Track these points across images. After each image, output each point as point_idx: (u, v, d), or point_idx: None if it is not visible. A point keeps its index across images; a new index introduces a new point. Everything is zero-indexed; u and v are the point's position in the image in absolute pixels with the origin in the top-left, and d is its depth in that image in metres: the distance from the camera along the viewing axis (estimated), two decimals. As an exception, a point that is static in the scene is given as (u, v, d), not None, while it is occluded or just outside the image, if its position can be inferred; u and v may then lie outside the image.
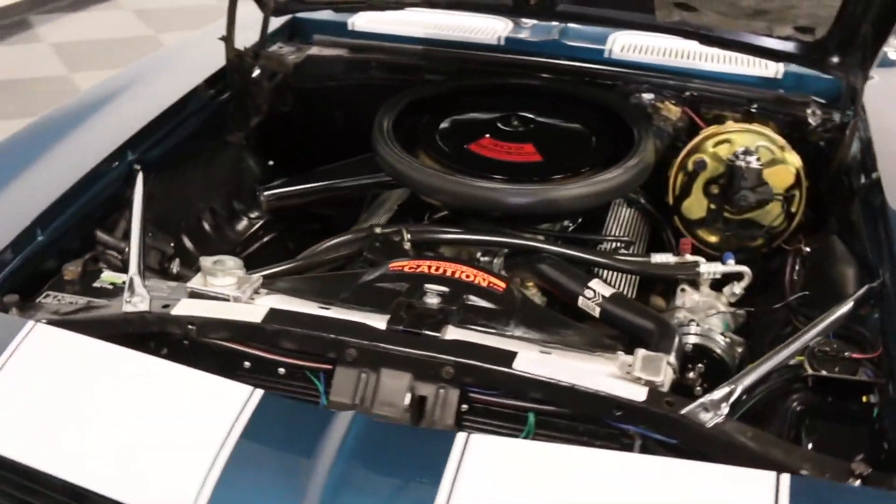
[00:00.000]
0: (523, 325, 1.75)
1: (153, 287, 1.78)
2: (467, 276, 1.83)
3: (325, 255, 2.13)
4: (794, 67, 2.50)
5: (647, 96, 2.55)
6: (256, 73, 2.60)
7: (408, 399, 1.53)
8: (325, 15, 2.87)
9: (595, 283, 1.96)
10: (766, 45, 2.27)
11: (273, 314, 1.65)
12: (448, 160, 2.22)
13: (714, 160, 2.34)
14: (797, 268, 2.14)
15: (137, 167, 2.15)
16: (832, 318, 1.69)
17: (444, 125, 2.38)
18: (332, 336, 1.60)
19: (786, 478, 1.29)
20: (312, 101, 2.76)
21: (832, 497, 1.33)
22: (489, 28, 2.84)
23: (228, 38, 2.47)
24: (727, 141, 2.35)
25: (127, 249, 1.96)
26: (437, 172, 2.16)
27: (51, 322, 1.67)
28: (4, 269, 1.81)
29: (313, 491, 1.29)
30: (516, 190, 2.11)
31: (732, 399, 1.49)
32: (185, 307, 1.69)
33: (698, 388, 1.80)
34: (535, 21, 2.79)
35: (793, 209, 2.32)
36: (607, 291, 1.95)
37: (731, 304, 2.06)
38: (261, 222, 2.60)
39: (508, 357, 1.55)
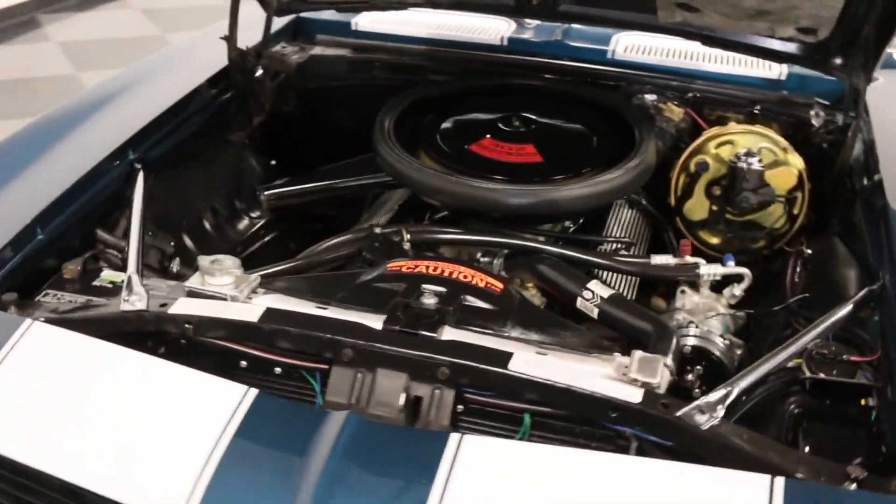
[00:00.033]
0: (520, 326, 1.75)
1: (152, 286, 1.79)
2: (465, 277, 1.83)
3: (325, 254, 2.13)
4: (797, 69, 2.49)
5: (650, 97, 2.53)
6: (259, 72, 2.60)
7: (403, 399, 1.53)
8: (329, 15, 2.87)
9: (593, 285, 1.96)
10: (769, 46, 2.26)
11: (269, 314, 1.65)
12: (448, 160, 2.22)
13: (716, 161, 2.33)
14: (798, 270, 2.13)
15: (138, 166, 2.15)
16: (831, 320, 1.68)
17: (444, 125, 2.37)
18: (328, 336, 1.61)
19: (780, 481, 1.29)
20: (315, 100, 2.76)
21: (827, 500, 1.32)
22: (492, 28, 2.83)
23: (230, 38, 2.48)
24: (730, 142, 2.34)
25: (127, 248, 1.96)
26: (436, 173, 2.16)
27: (48, 320, 1.67)
28: (4, 267, 1.82)
29: (305, 490, 1.29)
30: (516, 191, 2.10)
31: (728, 401, 1.48)
32: (183, 306, 1.70)
33: (697, 390, 1.80)
34: (538, 21, 2.79)
35: (795, 211, 2.31)
36: (606, 293, 1.94)
37: (731, 306, 2.05)
38: (262, 222, 2.61)
39: (504, 358, 1.55)
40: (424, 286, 1.78)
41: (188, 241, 2.35)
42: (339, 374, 1.59)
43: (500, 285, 1.84)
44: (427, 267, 1.86)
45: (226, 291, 1.74)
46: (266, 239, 2.60)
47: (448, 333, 1.63)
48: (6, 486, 1.44)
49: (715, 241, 2.39)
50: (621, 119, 2.37)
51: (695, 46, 2.50)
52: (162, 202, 2.23)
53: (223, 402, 1.43)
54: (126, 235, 2.04)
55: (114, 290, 1.84)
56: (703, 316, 2.00)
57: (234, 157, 2.64)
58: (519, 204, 2.10)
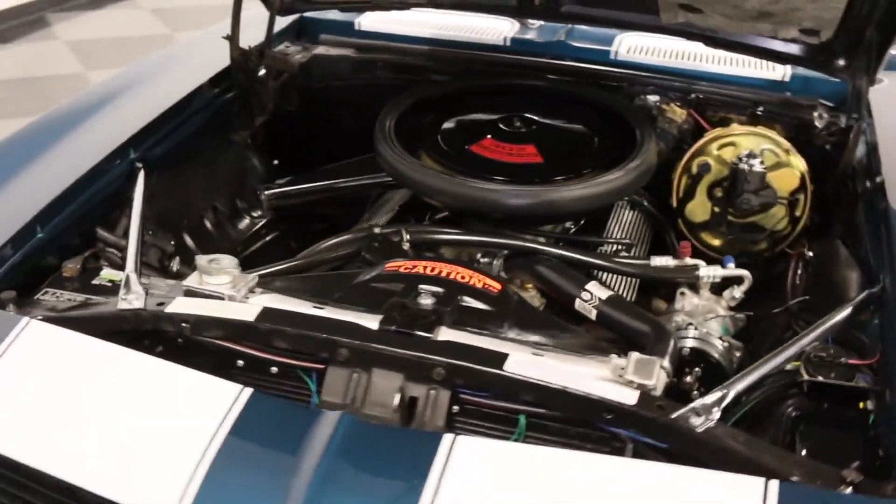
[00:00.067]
0: (517, 328, 1.74)
1: (151, 285, 1.79)
2: (462, 278, 1.83)
3: (325, 254, 2.13)
4: (801, 70, 2.49)
5: (653, 98, 2.53)
6: (262, 72, 2.61)
7: (398, 399, 1.53)
8: (333, 15, 2.88)
9: (592, 286, 1.95)
10: (771, 47, 2.26)
11: (266, 313, 1.65)
12: (449, 161, 2.21)
13: (718, 163, 2.33)
14: (800, 272, 2.12)
15: (139, 165, 2.16)
16: (830, 322, 1.67)
17: (445, 126, 2.37)
18: (324, 336, 1.60)
19: (774, 484, 1.28)
20: (318, 100, 2.77)
21: (822, 504, 1.32)
22: (495, 29, 2.83)
23: (233, 37, 2.48)
24: (732, 144, 2.34)
25: (127, 247, 1.96)
26: (437, 173, 2.15)
27: (46, 319, 1.67)
28: (4, 265, 1.82)
29: (298, 489, 1.28)
30: (516, 191, 2.10)
31: (725, 403, 1.48)
32: (180, 305, 1.70)
33: (695, 392, 1.79)
34: (541, 22, 2.79)
35: (797, 213, 2.30)
36: (604, 294, 1.93)
37: (731, 308, 2.04)
38: (263, 221, 2.60)
39: (500, 359, 1.54)
40: (421, 286, 1.78)
41: (189, 241, 2.35)
42: (334, 374, 1.59)
43: (498, 286, 1.84)
44: (424, 267, 1.86)
45: (223, 291, 1.74)
46: (267, 238, 2.60)
47: (444, 334, 1.63)
48: (1, 483, 1.44)
49: (716, 242, 2.39)
50: (622, 120, 2.36)
51: (698, 47, 2.49)
52: (163, 201, 2.23)
53: (218, 401, 1.43)
54: (126, 234, 2.04)
55: (113, 289, 1.84)
56: (703, 318, 1.99)
57: (236, 156, 2.64)
58: (519, 204, 2.10)
